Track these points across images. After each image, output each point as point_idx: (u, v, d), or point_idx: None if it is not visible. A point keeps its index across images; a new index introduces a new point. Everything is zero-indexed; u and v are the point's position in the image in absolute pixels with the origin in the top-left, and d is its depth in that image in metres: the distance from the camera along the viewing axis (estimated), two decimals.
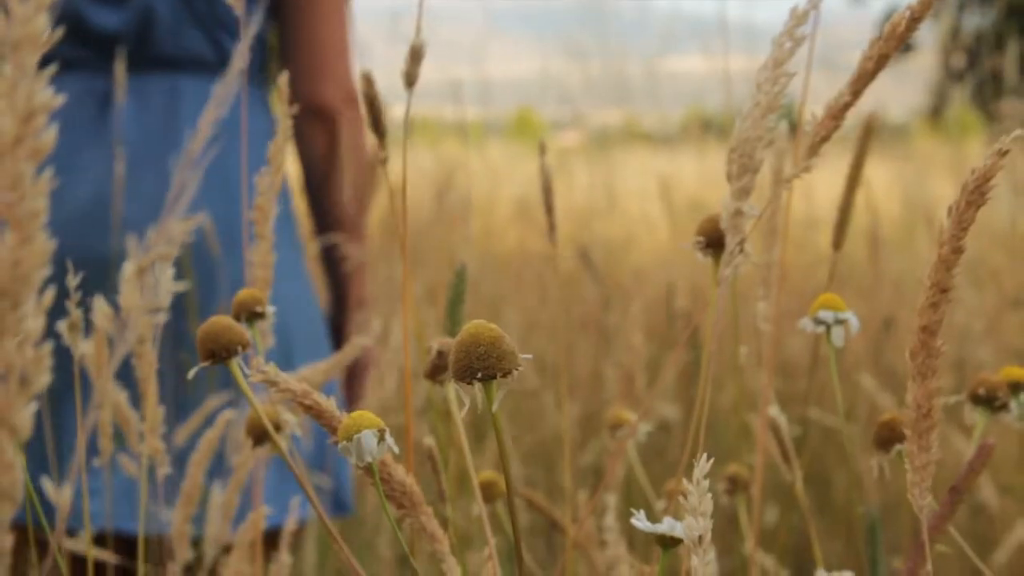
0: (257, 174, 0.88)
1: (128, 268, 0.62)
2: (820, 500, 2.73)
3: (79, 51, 1.69)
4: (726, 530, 2.15)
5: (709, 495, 0.59)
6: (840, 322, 0.84)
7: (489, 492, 1.01)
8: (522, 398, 3.13)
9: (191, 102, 1.70)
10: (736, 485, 1.10)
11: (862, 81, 0.80)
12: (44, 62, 1.49)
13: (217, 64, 1.71)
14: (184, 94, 1.69)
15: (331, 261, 1.86)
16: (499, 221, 4.73)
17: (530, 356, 0.62)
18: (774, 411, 1.03)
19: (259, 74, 1.79)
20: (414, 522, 0.73)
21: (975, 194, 0.69)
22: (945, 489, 0.81)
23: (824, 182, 3.55)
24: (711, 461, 0.59)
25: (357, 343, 1.10)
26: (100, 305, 0.79)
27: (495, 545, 0.78)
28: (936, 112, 9.87)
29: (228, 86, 0.74)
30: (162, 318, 0.74)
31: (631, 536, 1.41)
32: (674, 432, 2.65)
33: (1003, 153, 0.68)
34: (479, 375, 0.62)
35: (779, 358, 3.04)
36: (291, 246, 1.79)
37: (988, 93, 4.45)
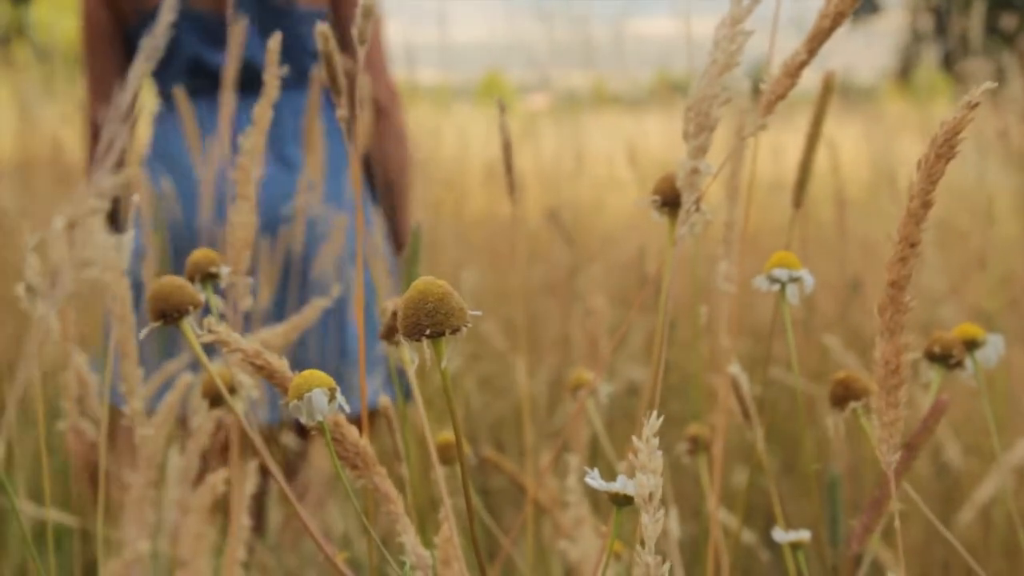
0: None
1: (57, 222, 0.62)
2: (790, 461, 2.74)
3: (201, 82, 2.25)
4: (693, 492, 2.16)
5: (659, 453, 0.59)
6: (794, 280, 0.83)
7: (447, 454, 1.01)
8: (493, 362, 3.13)
9: (284, 111, 2.28)
10: (697, 445, 1.10)
11: (818, 39, 0.79)
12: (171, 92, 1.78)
13: (298, 80, 2.23)
14: (279, 107, 1.98)
15: (387, 203, 2.43)
16: (469, 185, 4.71)
17: (480, 312, 0.62)
18: (735, 370, 1.03)
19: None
20: (367, 483, 0.73)
21: (944, 147, 0.68)
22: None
23: (795, 145, 3.55)
24: (661, 419, 0.59)
25: (316, 306, 1.11)
26: (31, 261, 0.79)
27: (458, 506, 0.78)
28: (904, 73, 9.88)
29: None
30: (95, 272, 0.74)
31: (596, 497, 1.41)
32: (643, 395, 2.65)
33: (973, 106, 0.68)
34: (427, 332, 0.61)
35: (749, 320, 3.04)
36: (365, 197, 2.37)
37: (955, 54, 4.45)
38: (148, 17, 2.20)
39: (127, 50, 2.28)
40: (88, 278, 0.67)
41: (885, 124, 4.62)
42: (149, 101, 2.42)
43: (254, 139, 0.94)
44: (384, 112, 2.39)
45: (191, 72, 2.26)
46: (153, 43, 0.58)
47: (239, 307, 0.91)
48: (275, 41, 0.97)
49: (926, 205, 0.69)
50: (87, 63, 2.31)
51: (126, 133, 0.62)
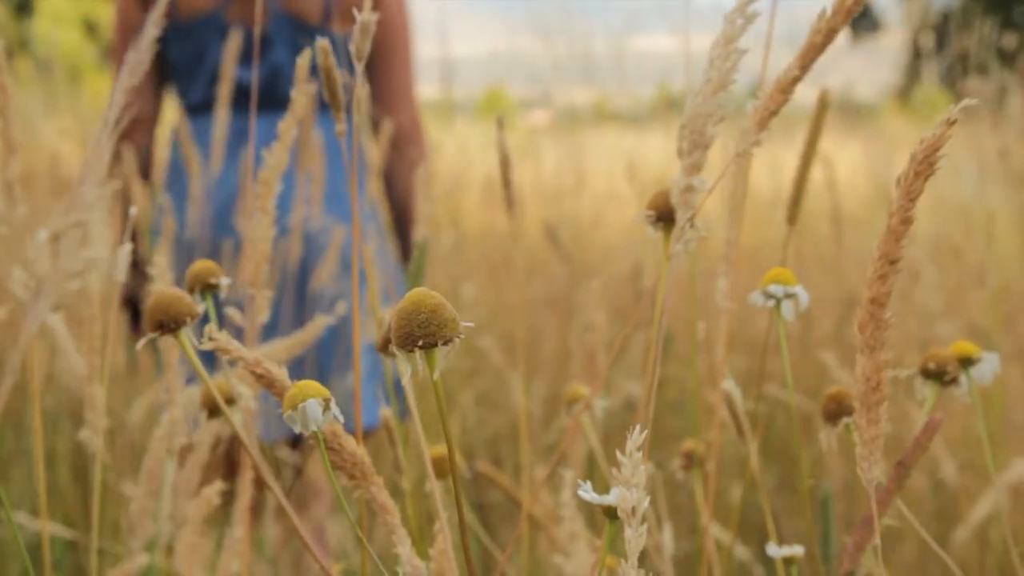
0: (268, 149, 0.98)
1: (42, 234, 0.62)
2: (786, 477, 2.74)
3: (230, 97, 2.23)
4: (690, 507, 2.16)
5: (643, 467, 0.59)
6: (790, 296, 0.84)
7: (440, 467, 1.01)
8: (490, 377, 3.13)
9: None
10: (691, 461, 1.10)
11: (810, 55, 0.80)
12: (205, 106, 2.04)
13: (323, 102, 2.28)
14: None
15: (399, 226, 2.47)
16: (468, 200, 4.72)
17: (472, 324, 0.62)
18: (729, 385, 1.03)
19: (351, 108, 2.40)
20: (364, 493, 0.73)
21: (923, 164, 0.69)
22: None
23: (794, 161, 3.54)
24: (645, 434, 0.59)
25: (319, 323, 1.12)
26: (17, 274, 0.79)
27: (454, 520, 0.78)
28: (905, 91, 9.89)
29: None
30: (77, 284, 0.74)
31: (591, 512, 1.42)
32: (639, 410, 2.65)
33: (951, 123, 0.68)
34: (420, 343, 0.61)
35: (745, 336, 3.05)
36: (372, 217, 2.38)
37: (956, 72, 4.46)
38: (182, 25, 2.27)
39: (159, 53, 2.30)
40: (73, 290, 0.68)
41: (884, 141, 4.63)
42: (170, 113, 2.49)
43: (278, 154, 0.96)
44: (404, 142, 2.42)
45: (218, 84, 2.27)
46: (138, 57, 0.59)
47: (256, 321, 0.92)
48: (304, 59, 0.98)
49: (906, 222, 0.69)
50: (118, 63, 2.30)
51: (113, 146, 0.64)
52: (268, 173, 0.95)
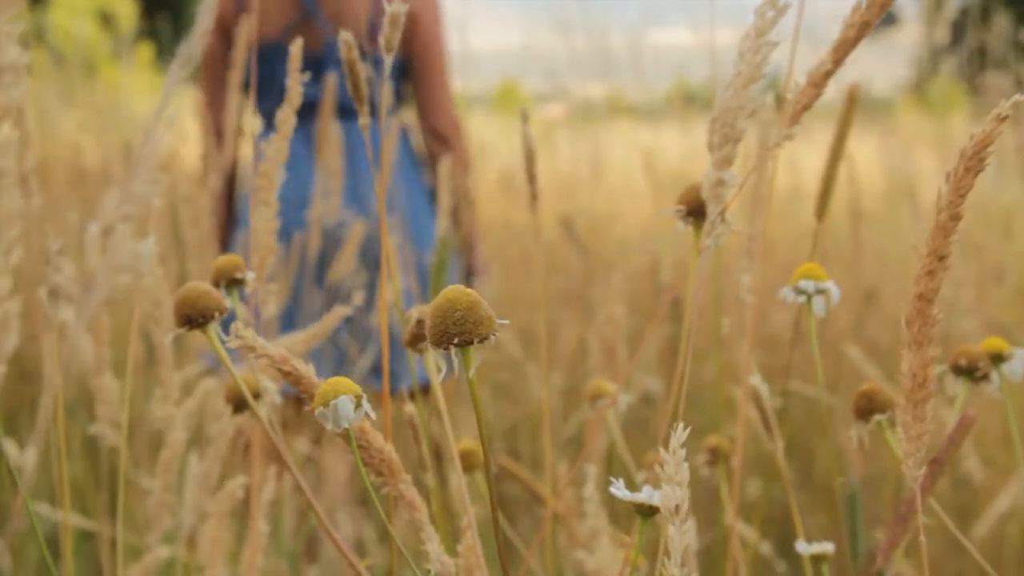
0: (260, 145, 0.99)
1: (93, 228, 0.62)
2: (804, 473, 2.73)
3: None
4: (708, 503, 2.15)
5: (686, 464, 0.58)
6: (821, 291, 0.83)
7: (468, 462, 1.00)
8: (508, 370, 3.13)
9: (354, 135, 2.69)
10: (716, 456, 1.10)
11: (844, 48, 0.79)
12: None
13: (372, 116, 2.57)
14: (350, 132, 2.68)
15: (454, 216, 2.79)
16: (484, 194, 4.72)
17: (507, 322, 0.62)
18: (756, 381, 1.03)
19: (398, 112, 2.81)
20: (392, 490, 0.73)
21: (974, 160, 0.68)
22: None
23: (811, 156, 3.54)
24: (687, 431, 0.58)
25: (335, 315, 1.11)
26: (66, 267, 0.79)
27: (478, 515, 0.78)
28: (921, 86, 9.85)
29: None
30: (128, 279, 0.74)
31: (613, 507, 1.41)
32: (657, 405, 2.65)
33: (1002, 119, 0.67)
34: (455, 340, 0.61)
35: (764, 331, 3.04)
36: (426, 203, 2.77)
37: (974, 67, 4.44)
38: (257, 50, 2.61)
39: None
40: (121, 284, 0.67)
41: (900, 136, 4.61)
42: (254, 123, 2.80)
43: (277, 145, 0.96)
44: (446, 143, 2.75)
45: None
46: (188, 49, 0.61)
47: (263, 313, 0.92)
48: (296, 47, 1.00)
49: (954, 218, 0.69)
50: (204, 82, 2.79)
51: (160, 142, 0.64)
52: (268, 165, 0.94)
